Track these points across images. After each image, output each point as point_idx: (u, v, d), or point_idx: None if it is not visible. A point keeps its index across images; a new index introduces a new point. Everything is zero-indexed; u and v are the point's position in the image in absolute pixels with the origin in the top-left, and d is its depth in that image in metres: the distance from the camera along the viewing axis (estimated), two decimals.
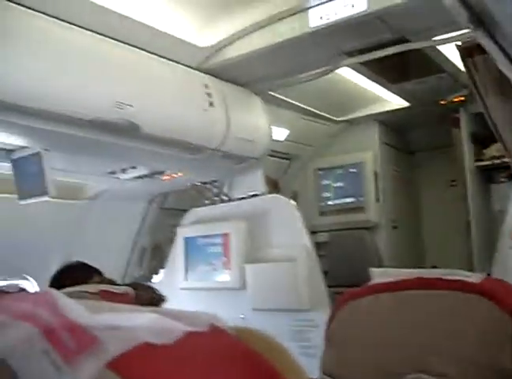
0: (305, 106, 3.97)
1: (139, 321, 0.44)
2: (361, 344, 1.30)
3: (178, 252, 3.54)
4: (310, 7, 2.53)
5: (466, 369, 1.17)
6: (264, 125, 3.27)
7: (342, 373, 1.32)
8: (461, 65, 3.10)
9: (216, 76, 2.97)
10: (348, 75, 3.55)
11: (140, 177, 3.28)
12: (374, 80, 3.67)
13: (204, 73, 2.90)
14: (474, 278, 1.22)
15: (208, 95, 2.85)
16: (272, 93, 3.51)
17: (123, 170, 3.18)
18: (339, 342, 1.35)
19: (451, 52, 3.21)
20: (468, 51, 2.87)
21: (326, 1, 2.49)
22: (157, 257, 4.16)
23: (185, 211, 3.72)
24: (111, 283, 2.29)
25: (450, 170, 4.50)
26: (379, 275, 1.35)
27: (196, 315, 0.47)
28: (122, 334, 0.42)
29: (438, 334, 1.21)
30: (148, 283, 3.14)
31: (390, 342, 1.26)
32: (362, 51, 2.80)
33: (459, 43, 2.88)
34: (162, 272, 3.92)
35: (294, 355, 0.67)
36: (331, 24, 2.50)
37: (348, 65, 3.15)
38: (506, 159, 3.27)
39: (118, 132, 2.46)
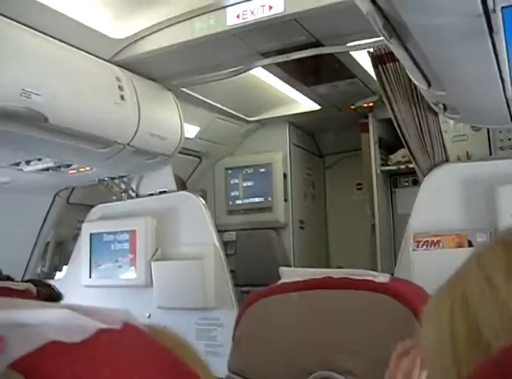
0: (217, 105, 3.96)
1: (47, 318, 0.42)
2: (270, 342, 1.31)
3: (82, 248, 3.45)
4: (228, 5, 2.53)
5: (372, 365, 1.19)
6: (176, 122, 3.24)
7: (251, 371, 1.32)
8: (372, 72, 3.17)
9: (129, 70, 2.91)
10: (262, 75, 3.57)
11: (45, 169, 3.18)
12: (287, 82, 3.70)
13: (116, 65, 2.84)
14: (381, 278, 1.25)
15: (120, 88, 2.80)
16: (186, 90, 3.48)
17: (28, 162, 3.07)
18: (248, 340, 1.34)
19: (363, 58, 3.28)
20: (380, 59, 2.94)
21: (244, 1, 2.49)
22: (61, 252, 4.05)
23: (92, 206, 3.64)
24: (9, 279, 2.20)
25: (358, 174, 4.60)
26: (288, 275, 1.36)
27: (109, 311, 0.44)
28: (28, 332, 0.39)
29: (346, 332, 1.23)
30: (47, 280, 3.05)
31: (300, 340, 1.27)
32: (277, 52, 2.82)
33: (371, 50, 2.95)
34: (65, 268, 3.82)
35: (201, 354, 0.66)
36: (248, 24, 2.50)
37: (262, 66, 3.16)
38: (410, 165, 3.36)
39: (23, 121, 2.36)
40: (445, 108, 2.54)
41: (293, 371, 1.28)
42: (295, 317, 1.29)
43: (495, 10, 1.38)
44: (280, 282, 1.36)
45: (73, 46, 2.57)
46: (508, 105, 2.20)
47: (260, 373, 1.31)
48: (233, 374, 1.35)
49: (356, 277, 1.25)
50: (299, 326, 1.28)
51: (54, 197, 3.90)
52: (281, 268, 1.39)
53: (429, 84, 2.22)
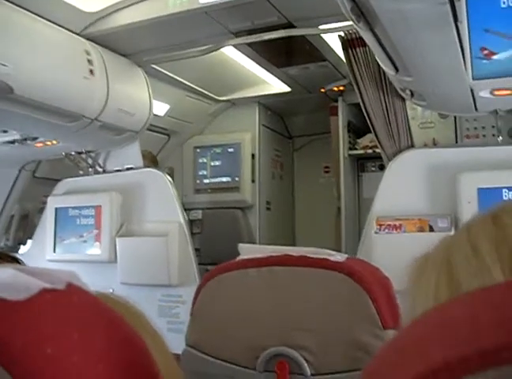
0: (188, 83, 3.94)
1: None
2: (227, 317, 1.33)
3: (47, 222, 3.43)
4: None
5: (325, 341, 1.22)
6: (145, 99, 3.22)
7: (206, 345, 1.34)
8: (342, 56, 3.19)
9: (99, 44, 2.88)
10: (233, 55, 3.56)
11: (11, 142, 3.14)
12: (258, 63, 3.70)
13: (87, 39, 2.81)
14: (338, 257, 1.27)
15: (90, 62, 2.77)
16: (156, 67, 3.46)
17: None
18: (205, 315, 1.36)
19: (335, 42, 3.29)
20: (350, 42, 2.95)
21: None
22: (26, 226, 4.02)
23: (58, 181, 3.61)
24: None
25: (326, 157, 4.63)
26: (247, 251, 1.38)
27: (54, 272, 0.45)
28: None
29: (301, 309, 1.26)
30: (13, 254, 3.03)
31: (256, 316, 1.29)
32: (248, 32, 2.82)
33: (342, 34, 2.96)
34: (29, 242, 3.79)
35: (160, 330, 0.67)
36: (220, 2, 2.50)
37: (233, 45, 3.15)
38: (378, 150, 3.40)
39: None
40: (412, 94, 2.57)
41: (249, 347, 1.30)
42: (252, 292, 1.31)
43: None
44: (238, 258, 1.38)
45: (42, 17, 2.54)
46: (472, 94, 2.24)
47: (215, 347, 1.33)
48: (190, 348, 1.37)
49: (313, 255, 1.27)
50: (255, 302, 1.30)
51: (20, 170, 3.85)
52: (240, 245, 1.41)
53: (396, 70, 2.24)
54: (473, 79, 1.78)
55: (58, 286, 0.43)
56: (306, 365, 1.25)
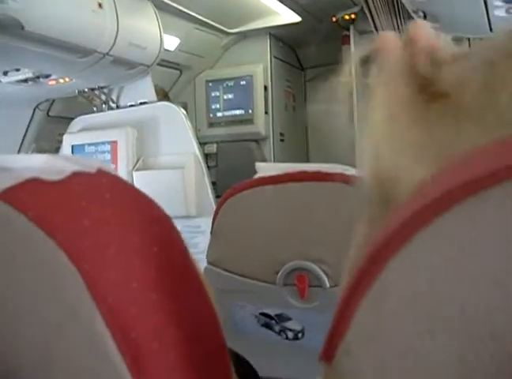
0: (197, 16, 3.90)
1: (28, 162, 0.45)
2: (246, 234, 1.36)
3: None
4: None
5: (343, 253, 1.25)
6: (155, 32, 3.20)
7: (227, 262, 1.38)
8: None
9: None
10: None
11: (24, 80, 3.15)
12: None
13: None
14: (354, 171, 1.29)
15: None
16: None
17: (5, 73, 3.04)
18: (224, 232, 1.40)
19: None
20: None
21: None
22: None
23: (72, 119, 3.63)
24: None
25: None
26: (264, 170, 1.40)
27: (85, 159, 0.48)
28: (9, 172, 0.43)
29: (319, 223, 1.29)
30: None
31: (274, 232, 1.32)
32: None
33: None
34: None
35: None
36: None
37: None
38: None
39: None
40: (425, 16, 2.54)
41: (268, 261, 1.34)
42: (270, 209, 1.34)
43: None
44: (255, 176, 1.40)
45: None
46: (487, 12, 2.21)
47: (236, 263, 1.37)
48: (211, 265, 1.41)
49: (329, 170, 1.29)
50: (273, 218, 1.33)
51: (34, 109, 3.88)
52: (257, 164, 1.43)
53: None
54: None
55: (89, 169, 0.46)
56: (325, 277, 1.29)
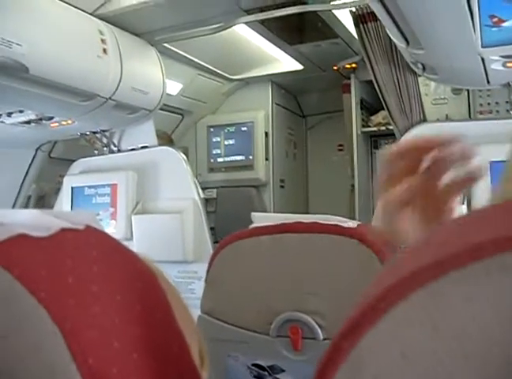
0: (200, 62, 3.96)
1: (16, 217, 0.45)
2: (240, 284, 1.36)
3: (64, 201, 3.47)
4: None
5: (337, 306, 1.25)
6: (158, 77, 3.24)
7: (220, 312, 1.38)
8: (354, 32, 3.18)
9: (112, 24, 2.90)
10: (245, 33, 3.57)
11: (27, 122, 3.18)
12: (270, 40, 3.70)
13: (100, 19, 2.83)
14: (350, 224, 1.29)
15: (103, 41, 2.79)
16: (169, 46, 3.48)
17: (9, 114, 3.07)
18: (219, 282, 1.39)
19: (347, 19, 3.29)
20: (362, 18, 2.95)
21: None
22: (43, 206, 4.06)
23: (73, 161, 3.65)
24: None
25: (339, 135, 4.64)
26: (260, 219, 1.40)
27: (74, 214, 0.48)
28: None
29: (314, 275, 1.28)
30: None
31: (269, 282, 1.32)
32: (260, 10, 2.83)
33: (353, 10, 2.96)
34: None
35: None
36: None
37: (245, 23, 3.16)
38: (390, 127, 3.40)
39: (4, 72, 2.36)
40: (424, 68, 2.57)
41: (262, 312, 1.33)
42: (266, 259, 1.34)
43: None
44: (251, 226, 1.40)
45: None
46: (484, 66, 2.24)
47: (230, 313, 1.37)
48: (204, 315, 1.40)
49: (325, 222, 1.29)
50: (269, 268, 1.33)
51: (36, 151, 3.91)
52: (253, 213, 1.44)
53: (407, 43, 2.25)
54: (482, 47, 1.79)
55: (77, 226, 0.46)
56: (318, 329, 1.28)
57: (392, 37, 2.32)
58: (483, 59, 2.09)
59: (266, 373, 1.35)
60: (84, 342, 0.39)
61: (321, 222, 1.30)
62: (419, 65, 2.51)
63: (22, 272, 0.40)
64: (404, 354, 0.26)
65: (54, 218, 0.46)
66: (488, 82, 2.45)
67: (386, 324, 0.27)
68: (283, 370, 1.34)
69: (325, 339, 1.28)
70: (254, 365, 1.36)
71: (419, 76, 2.84)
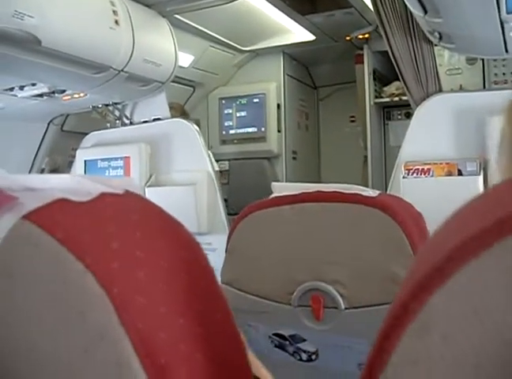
0: (212, 33, 3.92)
1: (56, 182, 0.45)
2: (261, 254, 1.35)
3: (77, 174, 3.47)
4: None
5: (359, 275, 1.24)
6: (170, 49, 3.21)
7: (242, 282, 1.37)
8: (368, 2, 3.14)
9: None
10: (257, 3, 3.53)
11: (39, 95, 3.17)
12: (282, 11, 3.66)
13: None
14: (370, 193, 1.28)
15: (115, 13, 2.76)
16: (180, 17, 3.44)
17: (21, 88, 3.06)
18: (240, 252, 1.39)
19: None
20: None
21: None
22: None
23: (86, 134, 3.65)
24: None
25: (352, 106, 4.61)
26: (280, 189, 1.40)
27: (114, 180, 0.48)
28: (39, 193, 0.43)
29: (335, 244, 1.28)
30: None
31: (290, 252, 1.32)
32: None
33: None
34: None
35: None
36: None
37: None
38: (404, 97, 3.37)
39: (16, 44, 2.34)
40: (440, 37, 2.53)
41: (284, 281, 1.33)
42: (286, 229, 1.33)
43: None
44: (271, 196, 1.39)
45: None
46: (503, 33, 2.21)
47: (251, 283, 1.37)
48: (225, 285, 1.40)
49: (346, 191, 1.28)
50: (289, 238, 1.32)
51: (48, 124, 3.90)
52: (273, 183, 1.43)
53: (425, 11, 2.21)
54: (507, 13, 1.76)
55: (116, 191, 0.46)
56: (340, 298, 1.28)
57: (409, 6, 2.28)
58: (503, 27, 2.06)
59: (287, 342, 1.35)
60: (132, 307, 0.39)
61: (342, 191, 1.29)
62: (436, 34, 2.48)
63: (66, 237, 0.39)
64: (476, 311, 0.26)
65: (93, 182, 0.45)
66: (507, 51, 2.42)
67: (458, 282, 0.27)
68: (304, 340, 1.34)
69: (346, 308, 1.28)
70: (275, 334, 1.37)
71: (435, 45, 2.80)
